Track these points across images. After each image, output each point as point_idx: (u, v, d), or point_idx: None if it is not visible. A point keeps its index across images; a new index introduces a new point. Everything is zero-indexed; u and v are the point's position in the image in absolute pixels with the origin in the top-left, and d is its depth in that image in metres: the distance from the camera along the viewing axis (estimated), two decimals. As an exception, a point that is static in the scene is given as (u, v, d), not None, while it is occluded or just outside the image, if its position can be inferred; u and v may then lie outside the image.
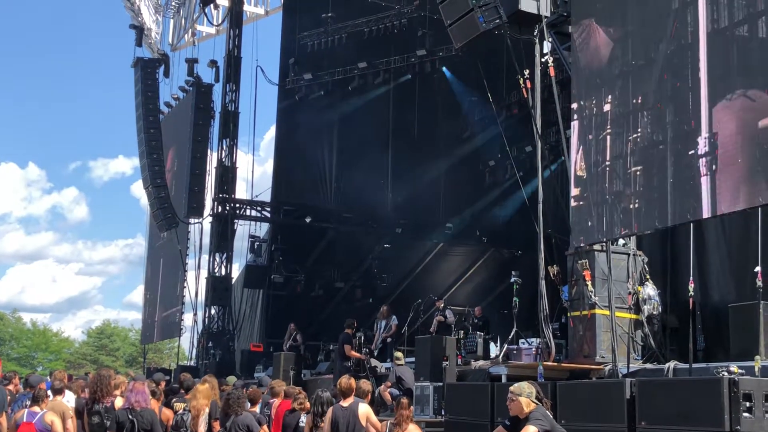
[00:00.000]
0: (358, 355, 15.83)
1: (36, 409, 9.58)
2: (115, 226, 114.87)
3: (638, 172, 10.62)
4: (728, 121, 9.44)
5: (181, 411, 10.50)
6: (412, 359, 14.58)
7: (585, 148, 11.71)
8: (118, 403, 10.23)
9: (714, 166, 9.47)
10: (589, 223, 11.56)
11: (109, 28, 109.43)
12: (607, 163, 11.20)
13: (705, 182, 9.55)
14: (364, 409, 9.05)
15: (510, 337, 14.56)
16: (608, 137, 11.21)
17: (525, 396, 6.54)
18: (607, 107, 11.37)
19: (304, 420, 10.12)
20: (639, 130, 10.63)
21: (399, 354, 14.51)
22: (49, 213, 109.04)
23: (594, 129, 11.55)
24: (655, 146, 10.35)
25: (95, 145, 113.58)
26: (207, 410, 10.09)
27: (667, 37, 10.50)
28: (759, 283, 10.90)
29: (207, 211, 25.60)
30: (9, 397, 11.84)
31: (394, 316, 19.34)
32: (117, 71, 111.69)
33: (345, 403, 9.04)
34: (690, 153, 9.81)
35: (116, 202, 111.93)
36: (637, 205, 10.61)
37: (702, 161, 9.62)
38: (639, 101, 10.88)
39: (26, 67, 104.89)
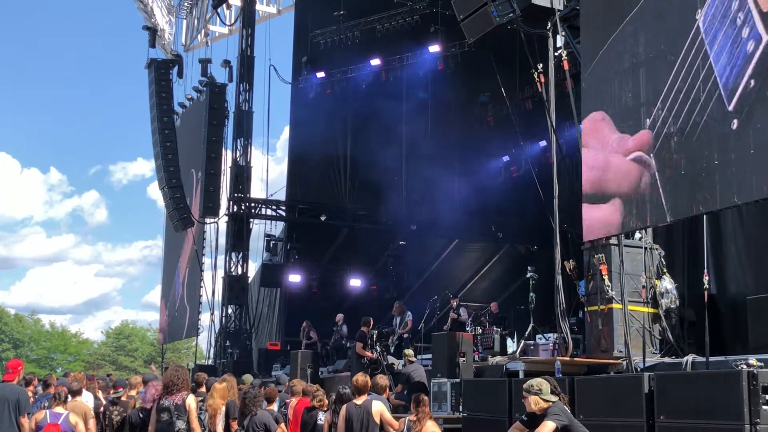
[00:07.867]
0: (368, 353, 15.80)
1: (59, 410, 9.62)
2: (134, 228, 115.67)
3: (651, 166, 10.54)
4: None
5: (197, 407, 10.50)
6: (429, 356, 14.53)
7: (598, 141, 11.63)
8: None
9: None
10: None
11: (124, 30, 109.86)
12: (620, 156, 11.11)
13: (715, 174, 9.47)
14: (378, 407, 8.98)
15: (527, 332, 14.53)
16: (620, 130, 11.13)
17: (533, 393, 6.57)
18: (620, 100, 11.28)
19: (321, 418, 10.13)
20: (650, 122, 10.54)
21: (409, 351, 14.44)
22: (69, 216, 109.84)
23: (607, 122, 11.46)
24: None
25: (115, 149, 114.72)
26: (224, 409, 10.12)
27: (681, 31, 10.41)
28: (776, 274, 10.82)
29: (222, 210, 25.70)
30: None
31: (408, 312, 19.32)
32: (134, 74, 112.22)
33: (359, 401, 9.00)
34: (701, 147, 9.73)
35: (135, 204, 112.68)
36: (649, 199, 10.53)
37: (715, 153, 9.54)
38: (651, 94, 10.79)
39: (45, 75, 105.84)
